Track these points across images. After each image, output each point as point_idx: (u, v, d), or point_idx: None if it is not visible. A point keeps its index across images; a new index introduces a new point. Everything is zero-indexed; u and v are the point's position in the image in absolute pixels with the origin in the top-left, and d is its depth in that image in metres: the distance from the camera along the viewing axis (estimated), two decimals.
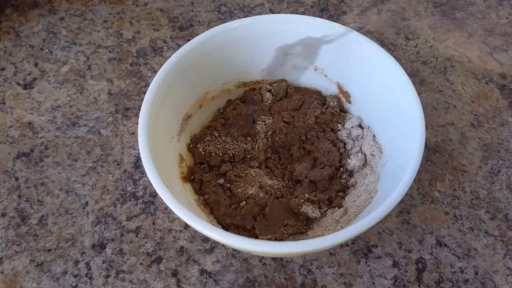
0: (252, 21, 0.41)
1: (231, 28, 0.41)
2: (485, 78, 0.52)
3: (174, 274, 0.40)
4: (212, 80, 0.43)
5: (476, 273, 0.40)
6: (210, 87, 0.43)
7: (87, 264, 0.41)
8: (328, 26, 0.40)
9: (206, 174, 0.40)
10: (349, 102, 0.44)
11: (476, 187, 0.45)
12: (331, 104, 0.44)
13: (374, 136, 0.41)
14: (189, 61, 0.40)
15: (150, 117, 0.36)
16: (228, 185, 0.40)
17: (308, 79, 0.45)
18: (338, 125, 0.43)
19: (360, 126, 0.43)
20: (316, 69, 0.44)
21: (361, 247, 0.41)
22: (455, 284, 0.40)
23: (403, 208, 0.43)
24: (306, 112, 0.43)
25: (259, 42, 0.42)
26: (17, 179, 0.45)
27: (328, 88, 0.45)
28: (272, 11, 0.57)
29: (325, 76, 0.44)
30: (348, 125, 0.43)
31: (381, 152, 0.40)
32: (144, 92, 0.50)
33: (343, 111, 0.44)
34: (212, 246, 0.41)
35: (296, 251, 0.30)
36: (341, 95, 0.44)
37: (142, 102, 0.50)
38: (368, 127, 0.42)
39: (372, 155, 0.41)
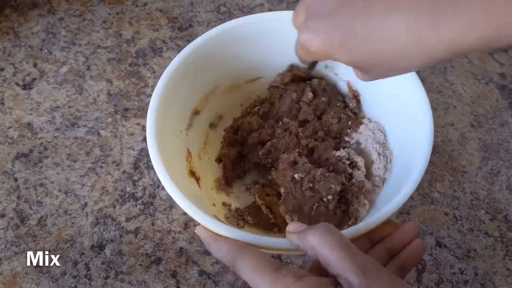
0: (263, 17, 0.41)
1: (241, 24, 0.41)
2: (485, 79, 0.52)
3: (174, 275, 0.40)
4: (222, 75, 0.43)
5: (476, 274, 0.40)
6: (219, 82, 0.43)
7: (86, 265, 0.41)
8: None
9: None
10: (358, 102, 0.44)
11: (476, 188, 0.45)
12: (350, 105, 0.44)
13: (384, 135, 0.42)
14: (199, 56, 0.40)
15: (159, 111, 0.36)
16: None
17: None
18: (349, 130, 0.43)
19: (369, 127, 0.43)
20: (326, 67, 0.44)
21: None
22: (454, 285, 0.40)
23: (403, 209, 0.43)
24: (326, 121, 0.43)
25: (269, 39, 0.42)
26: (16, 180, 0.45)
27: (339, 86, 0.45)
28: (271, 11, 0.57)
29: (335, 74, 0.44)
30: (361, 129, 0.43)
31: (388, 148, 0.40)
32: (144, 93, 0.50)
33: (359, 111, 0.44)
34: None
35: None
36: (351, 94, 0.44)
37: (141, 102, 0.50)
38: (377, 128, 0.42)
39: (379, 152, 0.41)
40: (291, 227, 0.29)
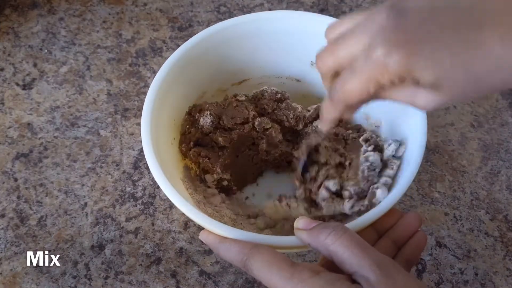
0: (250, 18, 0.41)
1: (228, 26, 0.41)
2: None
3: (173, 275, 0.40)
4: (210, 79, 0.43)
5: (476, 274, 0.40)
6: (207, 87, 0.43)
7: (86, 265, 0.41)
8: (326, 21, 0.40)
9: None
10: None
11: (476, 188, 0.45)
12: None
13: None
14: (187, 61, 0.40)
15: (152, 119, 0.36)
16: None
17: (307, 75, 0.45)
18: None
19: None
20: (312, 64, 0.43)
21: None
22: (454, 285, 0.40)
23: (403, 209, 0.43)
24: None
25: (253, 40, 0.42)
26: (16, 180, 0.45)
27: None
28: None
29: None
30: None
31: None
32: (144, 93, 0.50)
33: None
34: None
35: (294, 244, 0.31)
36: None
37: (141, 102, 0.50)
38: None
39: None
40: (300, 223, 0.29)
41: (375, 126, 0.42)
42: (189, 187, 0.39)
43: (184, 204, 0.32)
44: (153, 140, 0.35)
